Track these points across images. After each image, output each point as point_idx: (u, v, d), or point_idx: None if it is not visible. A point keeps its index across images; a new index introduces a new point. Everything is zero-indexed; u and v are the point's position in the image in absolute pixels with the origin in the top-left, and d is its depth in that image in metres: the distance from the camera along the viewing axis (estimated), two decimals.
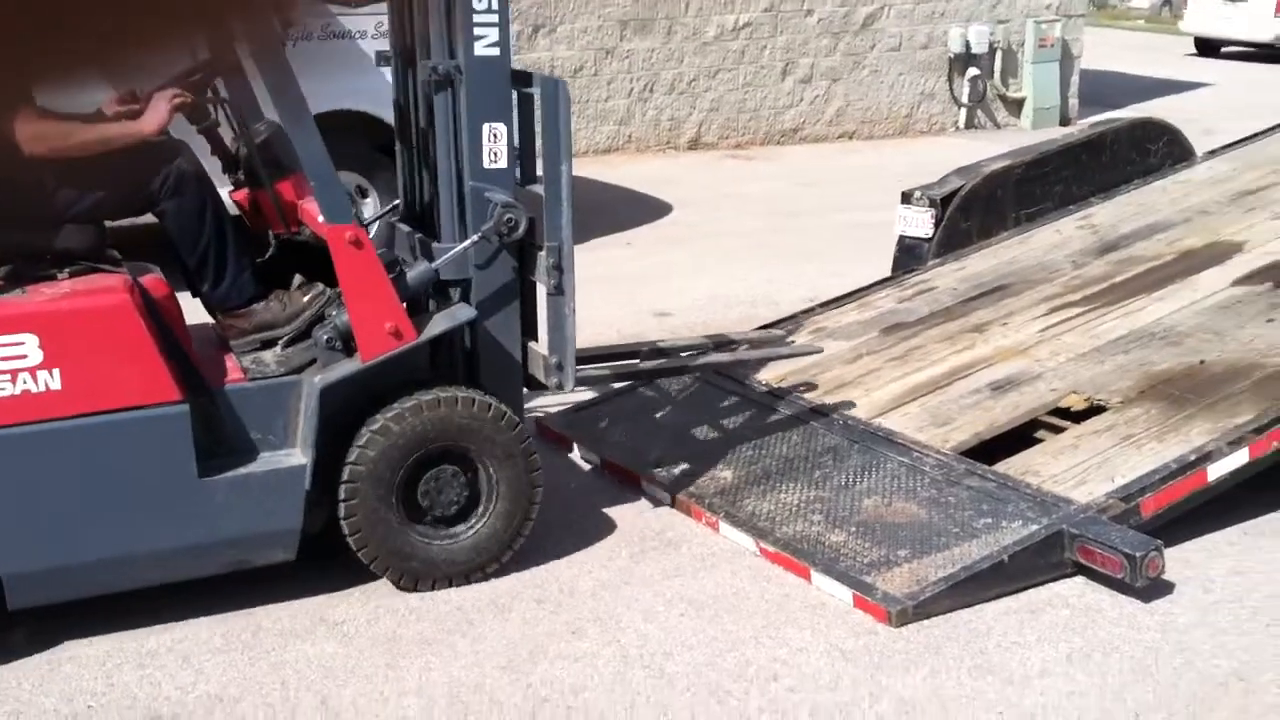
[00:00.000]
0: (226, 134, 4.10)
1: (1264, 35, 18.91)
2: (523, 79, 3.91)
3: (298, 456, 3.60)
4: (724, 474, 4.37)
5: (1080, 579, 3.74)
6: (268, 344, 3.78)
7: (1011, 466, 4.10)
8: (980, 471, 4.08)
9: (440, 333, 3.75)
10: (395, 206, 4.49)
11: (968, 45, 12.37)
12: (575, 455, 4.81)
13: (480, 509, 3.81)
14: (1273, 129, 7.24)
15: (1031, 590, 3.69)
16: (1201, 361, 4.58)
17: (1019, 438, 4.37)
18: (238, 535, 3.58)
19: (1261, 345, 4.62)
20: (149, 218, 3.80)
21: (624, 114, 11.67)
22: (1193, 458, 3.93)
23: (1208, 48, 19.97)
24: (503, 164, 3.84)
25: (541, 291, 4.01)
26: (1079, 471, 3.98)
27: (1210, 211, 6.04)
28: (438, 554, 3.77)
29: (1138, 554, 3.51)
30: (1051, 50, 12.74)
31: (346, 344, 3.64)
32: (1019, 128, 12.65)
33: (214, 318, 3.88)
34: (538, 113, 3.85)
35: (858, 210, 8.82)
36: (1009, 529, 3.74)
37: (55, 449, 3.35)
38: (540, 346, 4.11)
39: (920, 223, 6.21)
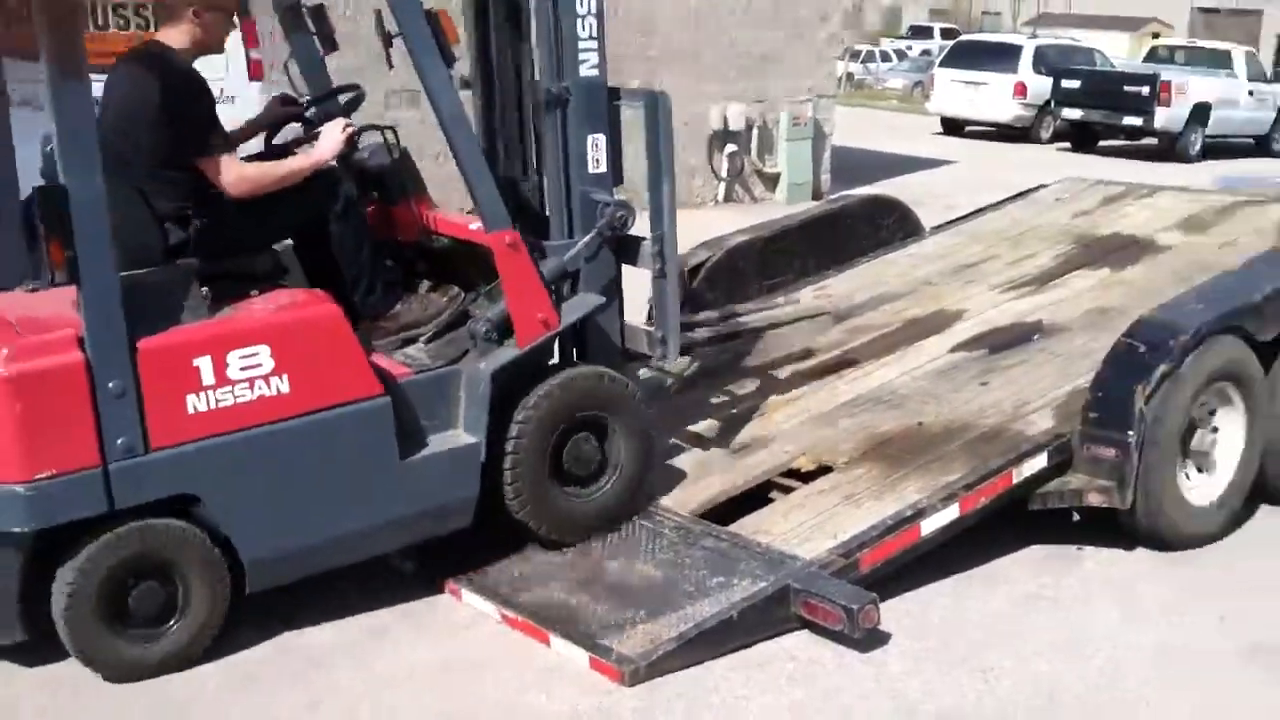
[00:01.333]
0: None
1: (1003, 116, 20.41)
2: (614, 94, 4.49)
3: (465, 436, 4.12)
4: (469, 542, 4.44)
5: (805, 632, 3.95)
6: (408, 341, 4.29)
7: (744, 526, 4.32)
8: (715, 532, 4.29)
9: (577, 318, 4.41)
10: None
11: (726, 123, 12.91)
12: None
13: (610, 471, 4.41)
14: (994, 205, 7.83)
15: (760, 644, 3.88)
16: (920, 423, 4.91)
17: (756, 498, 4.60)
18: (430, 507, 4.09)
19: (974, 407, 4.99)
20: None
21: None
22: (908, 514, 4.22)
23: (954, 127, 21.40)
24: (604, 169, 4.46)
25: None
26: (805, 529, 4.22)
27: (934, 283, 6.48)
28: (576, 510, 4.35)
29: (854, 607, 3.76)
30: (804, 128, 13.41)
31: (501, 334, 4.19)
32: (774, 201, 13.23)
33: (357, 323, 4.14)
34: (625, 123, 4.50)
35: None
36: (739, 587, 3.94)
37: (287, 445, 3.80)
38: (635, 325, 4.77)
39: None
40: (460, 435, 4.14)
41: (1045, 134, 20.39)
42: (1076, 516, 4.74)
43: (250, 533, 3.78)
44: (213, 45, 4.12)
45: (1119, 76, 20.50)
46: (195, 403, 3.65)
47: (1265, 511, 5.04)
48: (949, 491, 4.33)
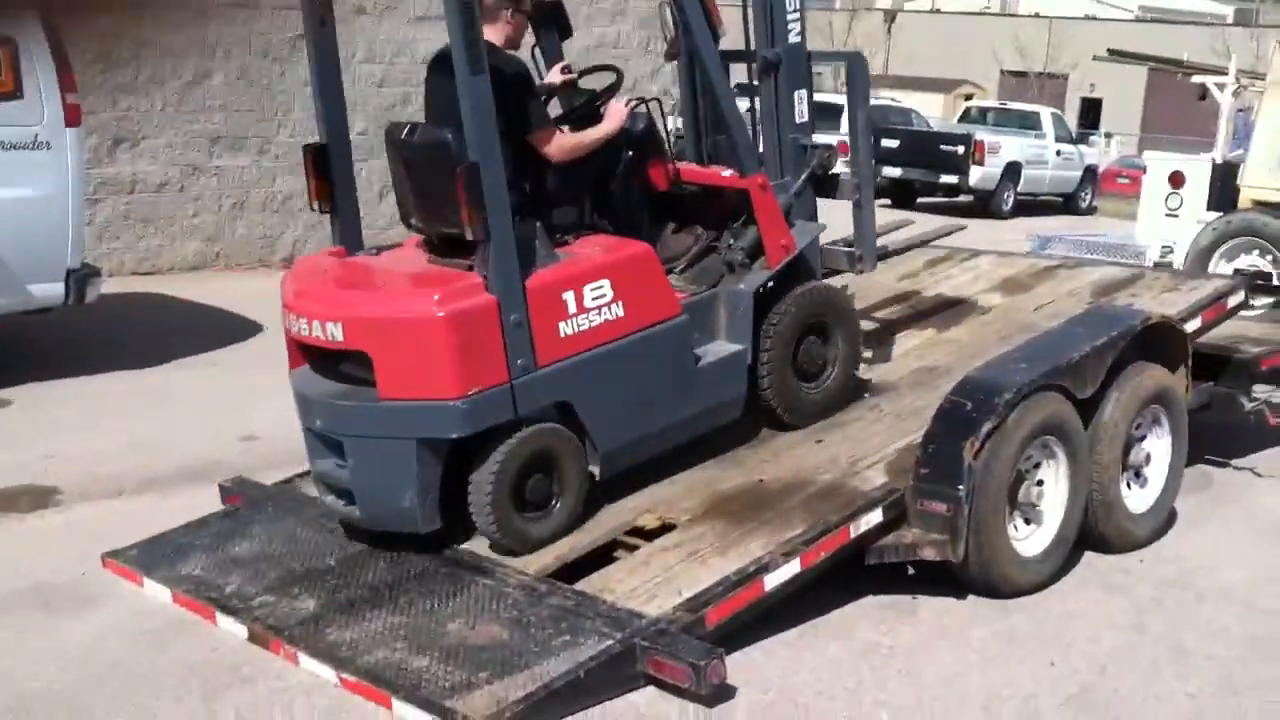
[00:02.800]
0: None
1: None
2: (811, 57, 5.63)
3: (731, 345, 5.14)
4: (306, 604, 4.36)
5: (653, 689, 3.99)
6: (667, 272, 5.09)
7: (590, 584, 4.34)
8: (561, 591, 4.29)
9: (807, 243, 5.44)
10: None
11: None
12: (146, 591, 4.64)
13: (830, 369, 5.51)
14: None
15: (608, 703, 3.90)
16: (760, 480, 5.03)
17: (601, 556, 4.63)
18: (716, 403, 5.11)
19: (811, 464, 5.13)
20: None
21: (213, 231, 11.45)
22: (751, 569, 4.30)
23: None
24: (807, 119, 5.54)
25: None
26: (650, 586, 4.26)
27: None
28: (806, 400, 5.42)
29: (701, 663, 3.80)
30: None
31: (752, 259, 5.23)
32: None
33: None
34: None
35: None
36: (586, 645, 3.95)
37: (624, 357, 4.72)
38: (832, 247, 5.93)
39: None
40: (726, 345, 5.14)
41: None
42: (911, 570, 4.90)
43: (603, 430, 4.72)
44: (516, 43, 4.95)
45: (935, 136, 21.42)
46: (565, 328, 4.56)
47: (1090, 558, 5.30)
48: (790, 547, 4.43)
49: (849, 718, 3.97)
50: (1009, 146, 21.35)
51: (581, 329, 4.59)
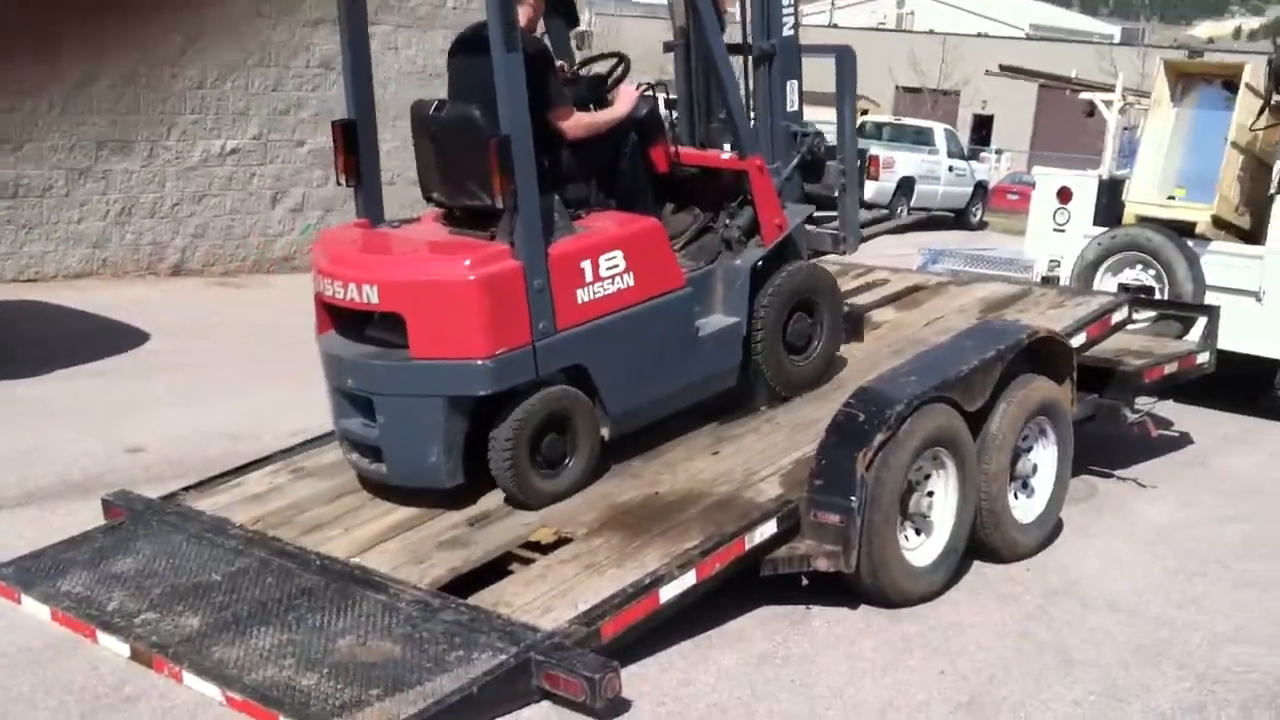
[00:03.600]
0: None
1: None
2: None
3: (727, 318, 5.51)
4: (190, 621, 4.26)
5: (547, 704, 3.97)
6: None
7: (484, 599, 4.30)
8: (454, 605, 4.24)
9: (797, 224, 5.81)
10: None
11: None
12: (24, 609, 4.50)
13: (815, 343, 5.90)
14: None
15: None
16: (657, 492, 5.04)
17: (495, 571, 4.59)
18: (713, 372, 5.49)
19: (708, 476, 5.16)
20: None
21: (99, 236, 11.18)
22: (647, 581, 4.30)
23: None
24: (797, 108, 5.99)
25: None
26: (546, 600, 4.24)
27: None
28: (795, 372, 5.82)
29: (596, 677, 3.79)
30: None
31: (748, 237, 5.60)
32: None
33: None
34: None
35: None
36: (479, 660, 3.91)
37: (634, 325, 5.08)
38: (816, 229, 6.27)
39: None
40: (723, 318, 5.50)
41: None
42: (805, 581, 4.94)
43: (613, 393, 5.07)
44: (533, 26, 5.21)
45: (831, 151, 21.65)
46: (581, 294, 4.89)
47: (979, 567, 5.41)
48: (686, 559, 4.44)
49: None
50: (903, 162, 21.70)
51: (596, 296, 4.95)
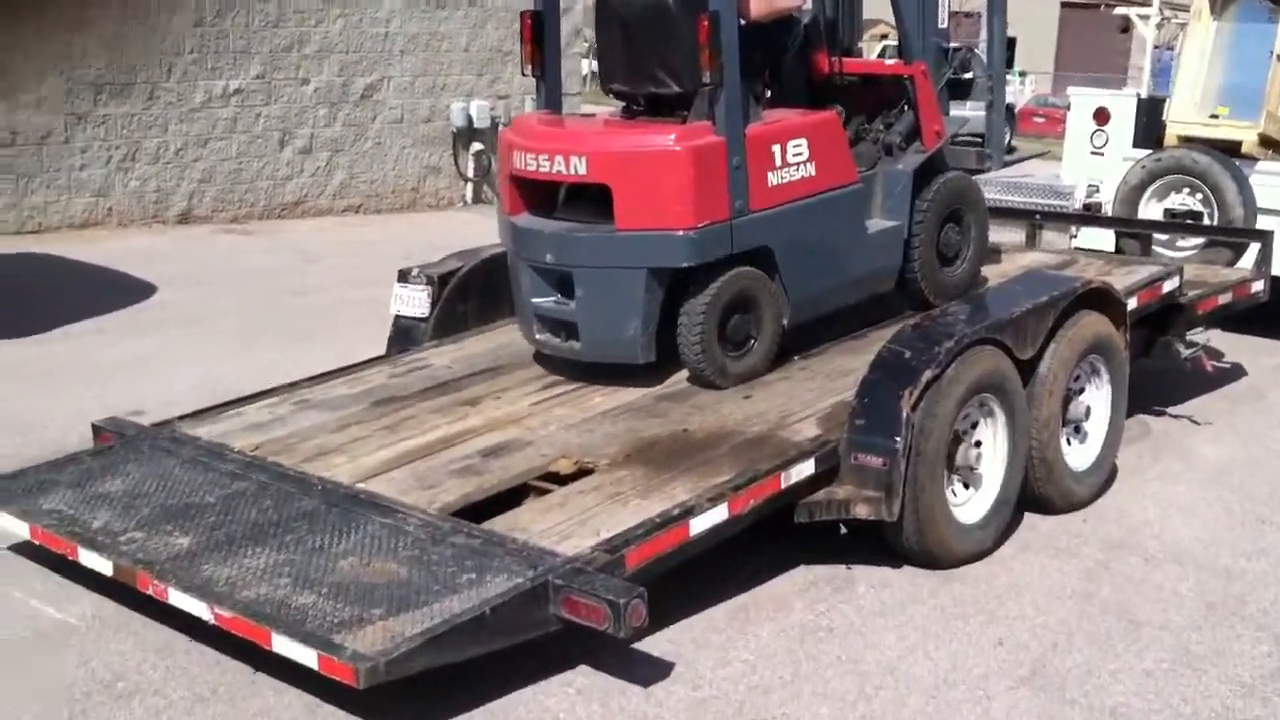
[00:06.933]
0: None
1: None
2: None
3: (889, 220, 5.79)
4: (180, 541, 4.08)
5: (565, 691, 3.78)
6: None
7: (498, 524, 4.11)
8: (466, 529, 4.05)
9: (954, 132, 6.15)
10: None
11: (470, 120, 12.64)
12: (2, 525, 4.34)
13: (964, 253, 6.20)
14: None
15: (513, 707, 3.70)
16: (685, 430, 4.85)
17: (510, 502, 4.39)
18: (878, 269, 5.81)
19: (739, 416, 4.97)
20: None
21: (102, 184, 11.06)
22: (676, 512, 4.08)
23: None
24: (946, 24, 6.15)
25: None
26: (566, 527, 4.04)
27: None
28: (946, 281, 6.07)
29: (621, 601, 3.56)
30: None
31: (908, 143, 5.87)
32: None
33: None
34: None
35: (362, 286, 8.71)
36: (493, 583, 3.71)
37: (815, 214, 5.38)
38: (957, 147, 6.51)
39: (417, 302, 6.22)
40: (885, 220, 5.76)
41: None
42: (844, 530, 4.75)
43: (794, 278, 5.34)
44: None
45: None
46: (772, 178, 5.19)
47: (1031, 520, 5.20)
48: (718, 492, 4.24)
49: (787, 714, 3.77)
50: None
51: (784, 180, 5.24)
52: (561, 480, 4.47)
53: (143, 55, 11.11)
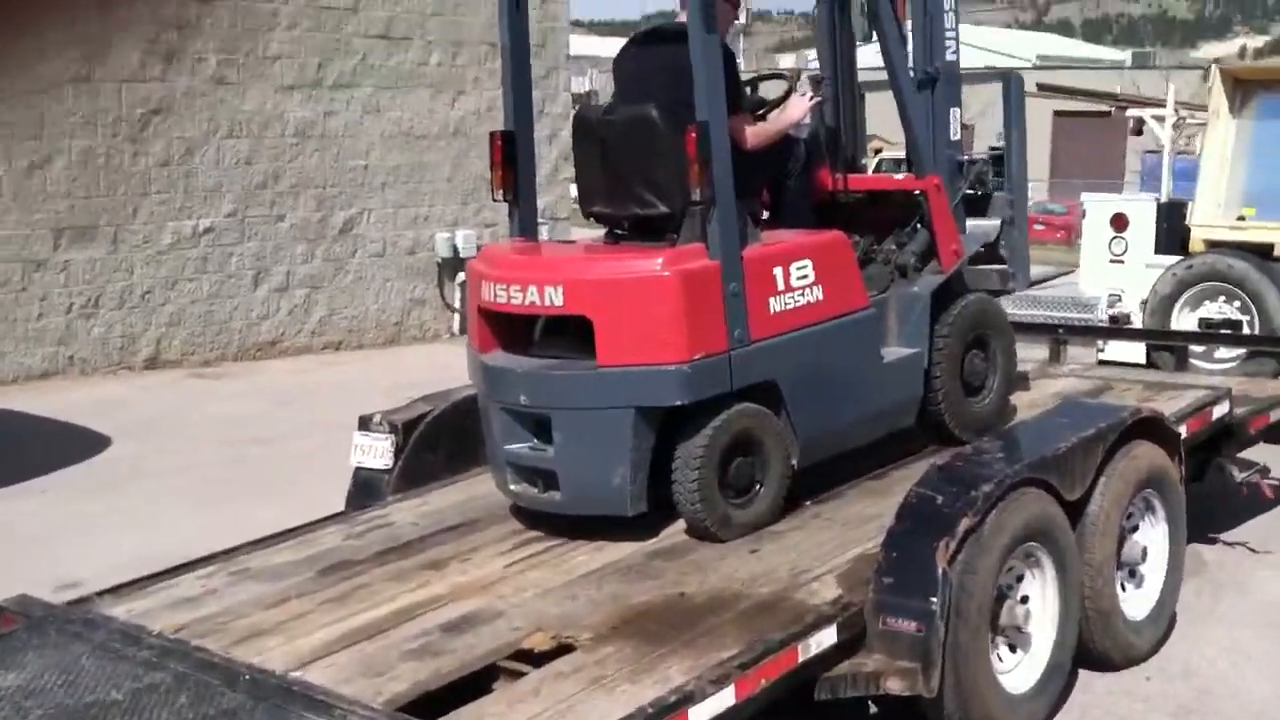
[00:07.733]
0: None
1: None
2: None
3: (906, 348, 5.37)
4: None
5: None
6: None
7: (459, 719, 3.49)
8: None
9: (974, 250, 5.75)
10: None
11: (455, 250, 12.76)
12: None
13: (990, 382, 5.76)
14: None
15: None
16: (682, 594, 4.30)
17: (475, 689, 3.77)
18: (896, 403, 5.36)
19: (745, 575, 4.42)
20: None
21: (63, 333, 10.78)
22: (672, 699, 3.46)
23: None
24: (959, 136, 5.82)
25: None
26: None
27: None
28: (972, 413, 5.63)
29: None
30: None
31: (924, 263, 5.52)
32: None
33: None
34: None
35: (334, 430, 7.99)
36: None
37: (823, 343, 4.94)
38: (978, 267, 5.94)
39: (379, 452, 5.70)
40: (903, 348, 5.37)
41: None
42: (874, 709, 4.24)
43: (803, 415, 4.87)
44: (724, 32, 4.90)
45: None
46: (774, 304, 4.77)
47: (1087, 680, 4.72)
48: (722, 672, 3.63)
49: None
50: None
51: (788, 307, 4.83)
52: (536, 660, 3.86)
53: (107, 197, 10.94)
